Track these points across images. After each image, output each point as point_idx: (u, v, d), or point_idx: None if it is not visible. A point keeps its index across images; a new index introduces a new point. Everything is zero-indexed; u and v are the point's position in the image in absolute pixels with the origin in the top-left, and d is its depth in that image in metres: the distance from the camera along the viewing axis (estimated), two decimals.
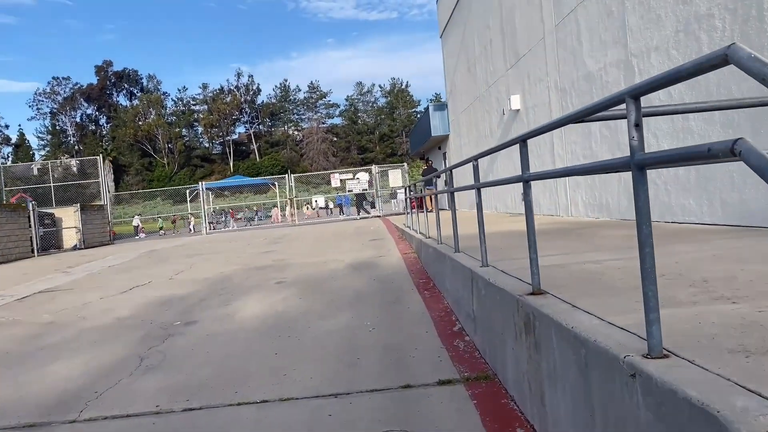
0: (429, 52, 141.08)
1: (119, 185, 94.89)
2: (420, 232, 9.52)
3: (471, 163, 4.65)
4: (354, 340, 4.85)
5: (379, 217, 23.21)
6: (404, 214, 23.08)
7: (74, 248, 20.01)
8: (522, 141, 3.17)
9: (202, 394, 3.84)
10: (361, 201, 26.14)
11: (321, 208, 38.53)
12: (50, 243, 19.99)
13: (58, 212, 20.66)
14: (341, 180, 25.13)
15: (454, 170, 6.49)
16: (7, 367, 4.87)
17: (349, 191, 24.66)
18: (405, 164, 23.92)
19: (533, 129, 3.08)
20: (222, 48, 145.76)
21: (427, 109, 22.96)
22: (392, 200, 29.29)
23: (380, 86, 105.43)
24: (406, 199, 18.34)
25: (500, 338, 3.51)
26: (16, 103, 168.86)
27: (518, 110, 12.55)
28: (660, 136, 6.76)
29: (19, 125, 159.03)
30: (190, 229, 31.30)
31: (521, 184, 3.22)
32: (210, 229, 27.76)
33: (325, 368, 4.15)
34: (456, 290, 5.28)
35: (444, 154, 23.99)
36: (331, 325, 5.36)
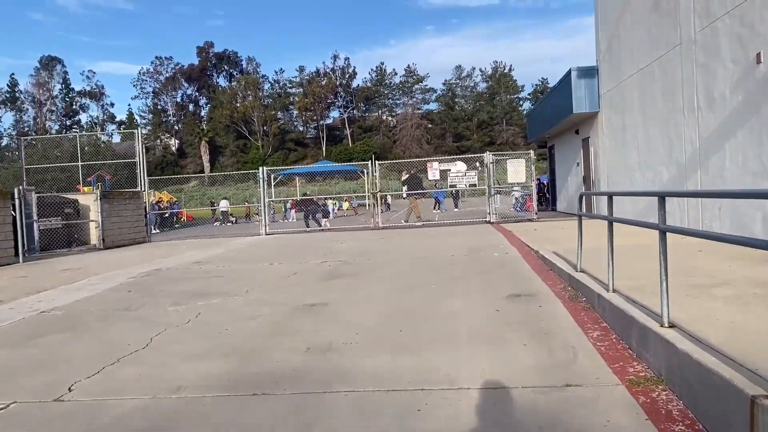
0: (532, 40, 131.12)
1: (215, 166, 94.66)
2: (693, 337, 3.50)
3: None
4: None
5: (491, 223, 17.10)
6: (522, 221, 16.46)
7: (95, 248, 15.65)
8: None
9: None
10: (315, 210, 20.81)
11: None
12: (71, 238, 15.76)
13: (83, 199, 16.35)
14: (441, 171, 19.13)
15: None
16: None
17: (451, 186, 18.65)
18: (531, 152, 17.47)
19: None
20: (321, 35, 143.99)
21: (567, 76, 16.45)
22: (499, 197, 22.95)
23: (481, 70, 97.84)
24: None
25: None
26: (127, 85, 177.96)
27: None
28: None
29: (129, 104, 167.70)
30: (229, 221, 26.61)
31: None
32: (276, 221, 22.95)
33: None
34: None
35: (586, 140, 17.37)
36: None
